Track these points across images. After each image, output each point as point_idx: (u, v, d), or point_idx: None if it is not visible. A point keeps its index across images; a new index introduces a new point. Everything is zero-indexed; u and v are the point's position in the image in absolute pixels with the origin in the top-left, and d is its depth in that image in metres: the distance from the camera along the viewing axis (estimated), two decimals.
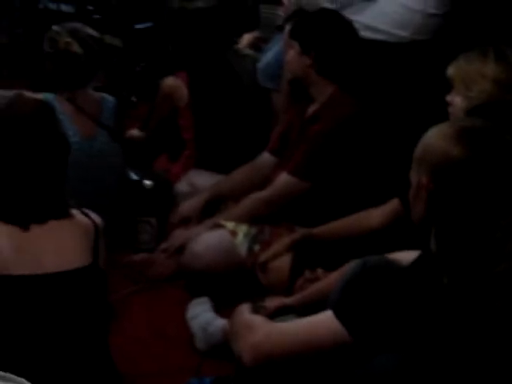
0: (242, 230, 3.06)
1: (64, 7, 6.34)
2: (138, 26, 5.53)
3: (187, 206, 3.34)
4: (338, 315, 1.78)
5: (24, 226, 1.86)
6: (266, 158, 3.35)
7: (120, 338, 2.74)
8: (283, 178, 3.08)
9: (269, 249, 2.92)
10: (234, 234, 3.05)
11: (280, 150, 3.29)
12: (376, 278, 1.79)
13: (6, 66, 5.64)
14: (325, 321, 1.80)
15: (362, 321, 1.74)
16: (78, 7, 6.20)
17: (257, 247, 3.02)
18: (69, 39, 3.14)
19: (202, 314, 2.75)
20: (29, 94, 1.94)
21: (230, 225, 3.08)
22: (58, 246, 1.88)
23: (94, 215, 2.03)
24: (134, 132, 3.95)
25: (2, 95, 1.92)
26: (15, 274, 1.81)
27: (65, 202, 1.96)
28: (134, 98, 5.40)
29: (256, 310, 2.06)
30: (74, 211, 1.98)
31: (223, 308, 2.76)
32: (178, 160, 3.79)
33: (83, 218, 1.98)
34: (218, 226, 3.11)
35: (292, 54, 3.16)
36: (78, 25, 3.26)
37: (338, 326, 1.77)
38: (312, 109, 3.14)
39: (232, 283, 2.95)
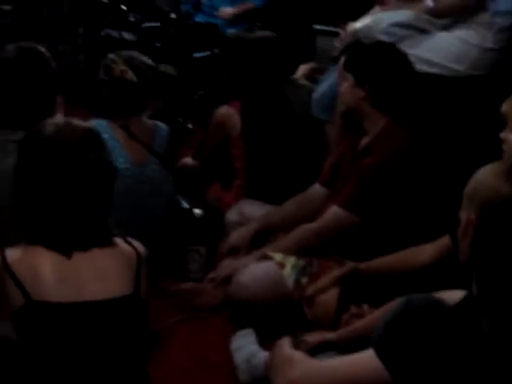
0: (290, 261, 3.03)
1: (126, 35, 6.44)
2: (196, 55, 5.59)
3: (236, 236, 3.33)
4: (379, 354, 1.74)
5: (67, 253, 1.86)
6: (317, 189, 3.32)
7: (164, 367, 2.75)
8: (333, 211, 3.04)
9: (316, 282, 2.89)
10: (281, 265, 3.02)
11: (331, 182, 3.27)
12: (419, 319, 1.74)
13: (66, 90, 5.72)
14: (365, 360, 1.76)
15: (403, 362, 1.70)
16: (139, 35, 6.30)
17: (304, 280, 2.99)
18: (124, 67, 3.18)
19: (246, 346, 2.73)
20: (77, 121, 1.96)
21: (278, 256, 3.05)
22: (99, 274, 1.88)
23: (137, 244, 2.02)
24: (188, 160, 3.97)
25: (53, 122, 1.93)
26: (56, 301, 1.81)
27: (108, 230, 1.96)
28: (190, 125, 5.45)
29: (297, 345, 2.02)
30: (118, 239, 1.98)
31: (268, 340, 2.73)
32: (230, 189, 3.80)
33: (126, 247, 1.98)
34: (266, 257, 3.08)
35: (346, 86, 3.14)
36: (133, 53, 3.30)
37: (379, 365, 1.73)
38: (364, 141, 3.11)
39: (278, 315, 2.92)
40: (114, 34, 6.43)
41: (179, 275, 3.32)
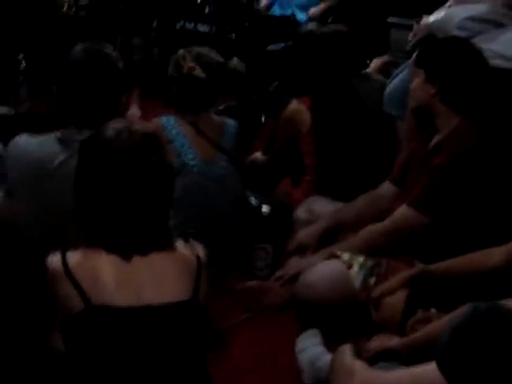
0: (358, 261, 2.98)
1: (200, 27, 6.46)
2: (270, 48, 5.56)
3: (304, 234, 3.29)
4: (442, 369, 1.69)
5: (126, 256, 1.86)
6: (387, 187, 3.26)
7: (228, 366, 2.74)
8: (402, 211, 2.98)
9: (384, 283, 2.83)
10: (349, 265, 2.98)
11: (402, 180, 3.20)
12: (485, 331, 1.69)
13: (141, 83, 5.78)
14: (428, 374, 1.71)
15: (466, 379, 1.64)
16: (214, 28, 6.31)
17: (372, 280, 2.94)
18: (193, 64, 3.18)
19: (311, 348, 2.70)
20: (137, 124, 1.95)
21: (346, 256, 3.01)
22: (158, 278, 1.87)
23: (198, 247, 2.01)
24: (258, 155, 3.95)
25: (112, 126, 1.93)
26: (115, 305, 1.81)
27: (168, 234, 1.95)
28: (263, 118, 5.43)
29: (358, 353, 1.98)
30: (178, 242, 1.97)
31: (333, 342, 2.69)
32: (299, 185, 3.76)
33: (186, 251, 1.97)
34: (334, 256, 3.05)
35: (417, 82, 3.06)
36: (203, 49, 3.29)
37: (441, 380, 1.68)
38: (436, 139, 3.03)
39: (344, 316, 2.88)
40: (189, 26, 6.46)
41: (246, 273, 3.31)
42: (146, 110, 5.68)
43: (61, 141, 2.44)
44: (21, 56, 5.46)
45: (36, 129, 2.82)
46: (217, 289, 3.02)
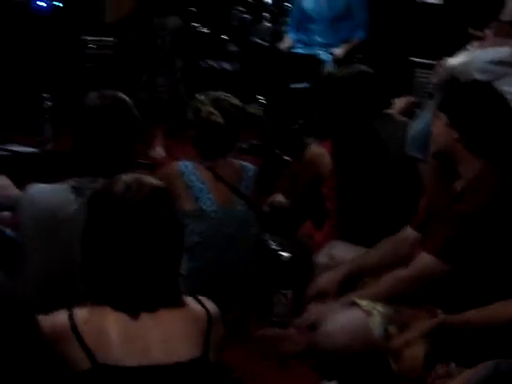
0: (378, 309, 2.92)
1: (225, 65, 6.48)
2: (293, 86, 5.56)
3: (325, 280, 3.24)
4: None
5: (134, 313, 1.83)
6: (408, 232, 3.20)
7: None
8: (423, 258, 2.92)
9: (404, 333, 2.77)
10: (368, 313, 2.92)
11: (423, 226, 3.14)
12: None
13: (166, 123, 5.80)
14: None
15: None
16: (238, 66, 6.32)
17: (392, 329, 2.87)
18: (211, 109, 3.17)
19: None
20: (146, 178, 1.92)
21: (366, 303, 2.95)
22: (166, 336, 1.83)
23: (208, 303, 1.97)
24: (279, 197, 3.92)
25: (122, 180, 1.90)
26: (122, 364, 1.77)
27: (177, 290, 1.92)
28: (287, 157, 5.41)
29: None
30: (187, 298, 1.93)
31: None
32: (321, 228, 3.72)
33: (196, 307, 1.93)
34: (353, 304, 2.99)
35: (439, 126, 3.02)
36: (221, 94, 3.28)
37: None
38: (458, 185, 2.97)
39: (363, 366, 2.82)
40: (214, 64, 6.49)
41: (265, 319, 3.26)
42: (171, 150, 5.69)
43: (74, 189, 2.42)
44: (46, 94, 5.49)
45: (59, 169, 2.81)
46: (235, 335, 2.99)
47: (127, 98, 2.58)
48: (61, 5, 6.30)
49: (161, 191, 1.91)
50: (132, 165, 2.54)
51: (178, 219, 1.94)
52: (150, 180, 1.92)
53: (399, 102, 4.24)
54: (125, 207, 1.85)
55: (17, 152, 5.39)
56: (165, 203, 1.89)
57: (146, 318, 1.83)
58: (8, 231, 2.75)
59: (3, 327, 1.32)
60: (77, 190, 2.41)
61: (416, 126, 3.70)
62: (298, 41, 6.01)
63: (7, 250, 2.61)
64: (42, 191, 2.46)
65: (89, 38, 6.53)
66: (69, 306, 1.85)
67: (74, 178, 2.47)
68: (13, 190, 2.93)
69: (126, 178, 1.91)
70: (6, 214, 2.96)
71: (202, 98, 3.23)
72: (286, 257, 3.29)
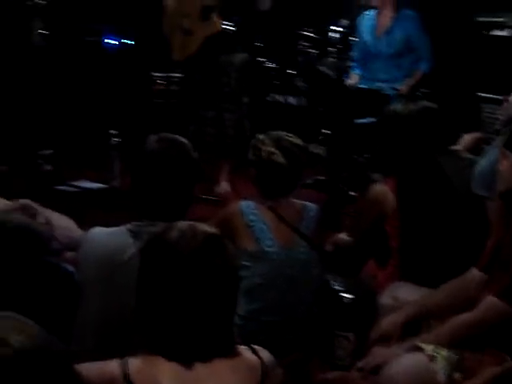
0: (442, 354, 2.84)
1: (291, 100, 6.49)
2: (358, 121, 5.53)
3: (388, 322, 3.17)
4: None
5: (187, 363, 1.81)
6: (474, 274, 3.12)
7: None
8: (490, 301, 2.84)
9: (469, 380, 2.69)
10: (432, 358, 2.84)
11: (490, 267, 3.06)
12: None
13: (231, 159, 5.82)
14: None
15: None
16: (304, 100, 6.33)
17: (457, 375, 2.79)
18: (272, 148, 3.15)
19: None
20: (201, 225, 1.91)
21: (429, 348, 2.87)
22: None
23: (263, 353, 1.94)
24: (343, 236, 3.87)
25: (177, 227, 1.90)
26: None
27: (232, 339, 1.89)
28: (352, 192, 5.37)
29: None
30: (241, 348, 1.91)
31: None
32: (385, 267, 3.66)
33: (251, 356, 1.90)
34: (417, 348, 2.92)
35: (505, 165, 2.95)
36: (282, 133, 3.27)
37: None
38: None
39: None
40: (280, 98, 6.51)
41: (326, 361, 3.21)
42: (236, 185, 5.70)
43: (132, 233, 2.43)
44: (113, 131, 5.58)
45: (126, 206, 2.83)
46: (296, 378, 2.95)
47: (186, 141, 2.58)
48: (132, 42, 6.42)
49: (215, 239, 1.89)
50: (191, 207, 2.54)
51: (233, 267, 1.91)
52: (205, 228, 1.90)
53: (466, 139, 4.18)
54: (178, 255, 1.84)
55: (84, 188, 5.49)
56: (219, 251, 1.88)
57: (199, 368, 1.81)
58: (69, 267, 2.77)
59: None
60: (134, 234, 2.42)
61: (483, 164, 3.61)
62: (363, 76, 5.99)
63: (66, 285, 2.62)
64: (101, 235, 2.48)
65: (157, 74, 6.63)
66: (122, 354, 1.84)
67: (132, 222, 2.48)
68: (76, 231, 2.95)
69: (181, 225, 1.90)
70: (70, 254, 2.99)
71: (263, 137, 3.22)
72: (348, 299, 3.24)
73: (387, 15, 6.03)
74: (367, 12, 6.16)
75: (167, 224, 1.95)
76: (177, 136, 2.60)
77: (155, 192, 2.49)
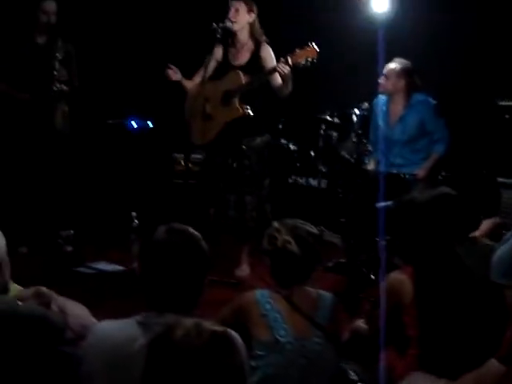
0: None
1: (312, 182, 6.51)
2: (378, 205, 5.50)
3: None
4: None
5: None
6: (493, 365, 3.06)
7: None
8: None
9: None
10: None
11: (510, 359, 2.99)
12: None
13: (251, 241, 5.81)
14: None
15: None
16: (325, 183, 6.34)
17: None
18: (287, 237, 3.14)
19: None
20: (207, 324, 1.89)
21: None
22: None
23: None
24: (361, 324, 3.82)
25: (182, 325, 1.88)
26: None
27: None
28: (373, 276, 5.33)
29: None
30: None
31: None
32: (403, 356, 3.59)
33: None
34: None
35: None
36: (298, 222, 3.26)
37: None
38: None
39: None
40: (301, 181, 6.53)
41: None
42: (256, 268, 5.68)
43: (141, 324, 2.41)
44: (134, 213, 5.60)
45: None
46: None
47: (195, 233, 2.58)
48: (151, 126, 6.51)
49: (221, 337, 1.87)
50: (200, 298, 2.52)
51: (239, 367, 1.88)
52: (211, 326, 1.88)
53: (485, 224, 4.13)
54: (182, 355, 1.82)
55: (103, 270, 5.49)
56: (225, 350, 1.85)
57: None
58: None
59: None
60: (143, 326, 2.40)
61: (502, 251, 3.57)
62: (380, 160, 6.01)
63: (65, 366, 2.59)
64: (109, 327, 2.46)
65: (178, 155, 6.69)
66: None
67: (142, 313, 2.47)
68: (90, 320, 2.94)
69: (187, 322, 1.88)
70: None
71: (278, 225, 3.21)
72: None
73: (399, 103, 6.04)
74: (382, 96, 6.19)
75: (174, 319, 1.93)
76: (186, 227, 2.59)
77: (163, 283, 2.47)
